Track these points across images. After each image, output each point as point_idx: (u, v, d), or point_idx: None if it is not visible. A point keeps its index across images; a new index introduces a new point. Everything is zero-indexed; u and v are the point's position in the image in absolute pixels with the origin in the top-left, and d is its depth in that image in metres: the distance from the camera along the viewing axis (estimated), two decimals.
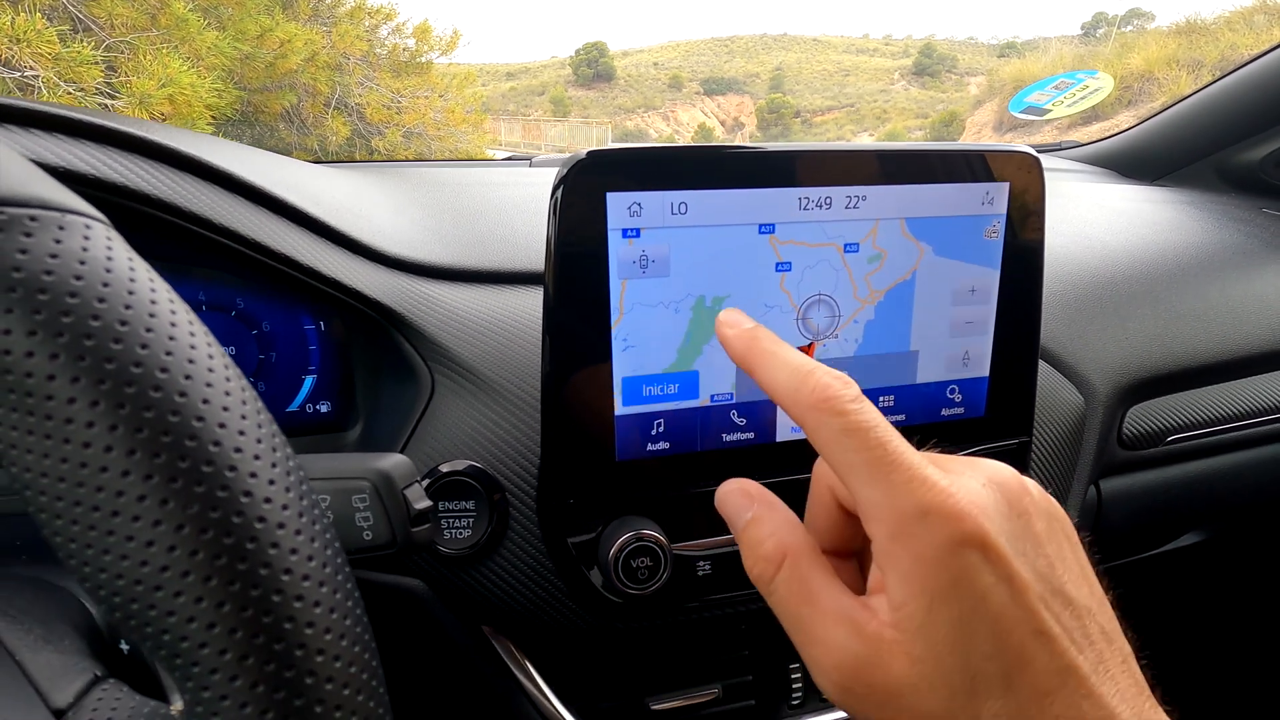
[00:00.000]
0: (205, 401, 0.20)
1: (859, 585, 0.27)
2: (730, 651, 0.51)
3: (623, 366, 0.42)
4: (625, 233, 0.40)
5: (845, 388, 0.25)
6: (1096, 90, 1.12)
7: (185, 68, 3.31)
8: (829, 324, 0.44)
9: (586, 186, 0.39)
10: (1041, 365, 0.58)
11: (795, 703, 0.53)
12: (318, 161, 0.92)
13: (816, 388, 0.25)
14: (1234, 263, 0.74)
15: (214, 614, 0.19)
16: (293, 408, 0.54)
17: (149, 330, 0.19)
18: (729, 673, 0.51)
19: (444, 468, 0.44)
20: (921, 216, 0.45)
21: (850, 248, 0.43)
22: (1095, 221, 0.78)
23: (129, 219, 0.39)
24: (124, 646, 0.28)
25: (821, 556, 0.27)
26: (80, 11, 3.41)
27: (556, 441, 0.42)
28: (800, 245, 0.42)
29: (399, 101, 5.83)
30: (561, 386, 0.41)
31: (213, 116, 3.73)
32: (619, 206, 0.40)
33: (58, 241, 0.19)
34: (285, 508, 0.20)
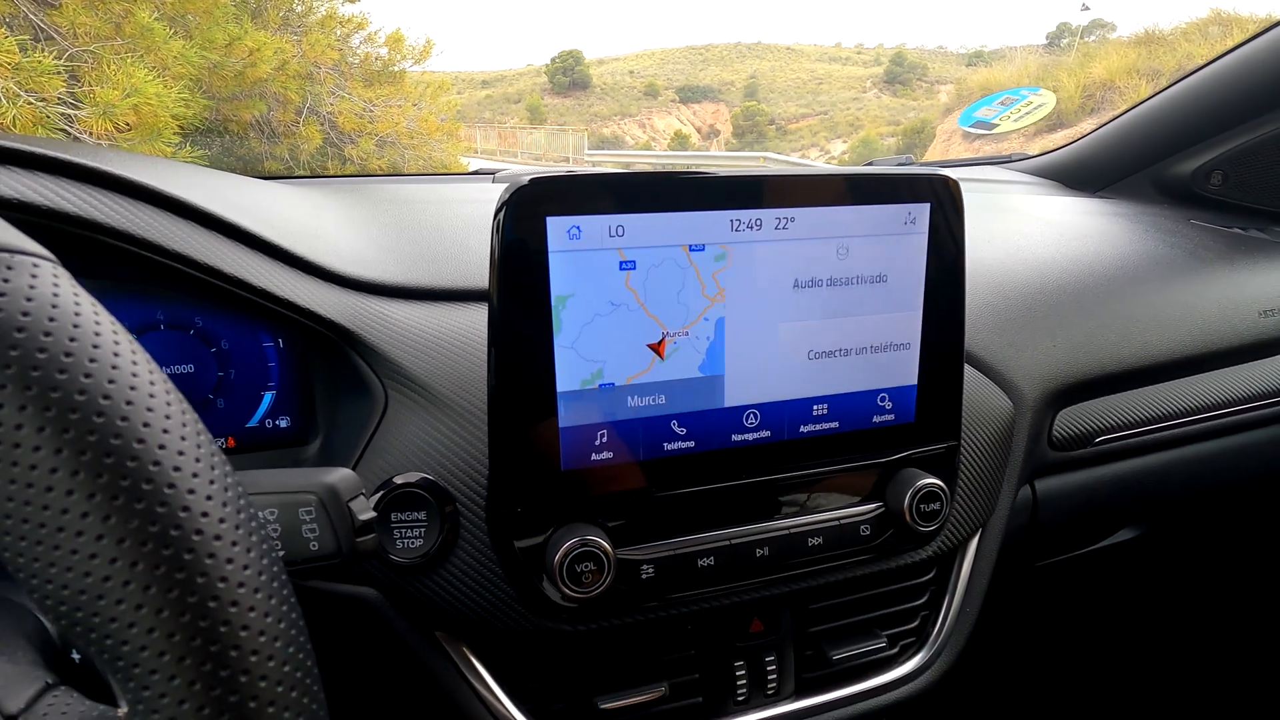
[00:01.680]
0: (146, 425, 0.22)
1: None
2: (677, 651, 0.54)
3: (565, 380, 0.44)
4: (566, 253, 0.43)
5: None
6: (1040, 105, 1.17)
7: (151, 77, 3.27)
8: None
9: (528, 211, 0.42)
10: (971, 372, 0.62)
11: (740, 699, 0.55)
12: (285, 176, 0.93)
13: None
14: (1159, 273, 0.78)
15: (153, 619, 0.21)
16: (252, 423, 0.55)
17: (92, 361, 0.21)
18: (676, 672, 0.54)
19: (397, 480, 0.46)
20: (847, 235, 0.48)
21: (696, 248, 0.45)
22: (1031, 234, 0.82)
23: (85, 246, 0.40)
24: (76, 656, 0.29)
25: None
26: (41, 20, 3.36)
27: (504, 453, 0.44)
28: (646, 246, 0.44)
29: (371, 110, 5.80)
30: (507, 400, 0.43)
31: (180, 126, 3.69)
32: (559, 230, 0.42)
33: (6, 280, 0.21)
34: (222, 520, 0.22)
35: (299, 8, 6.27)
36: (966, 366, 0.62)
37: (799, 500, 0.51)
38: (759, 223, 0.46)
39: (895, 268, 0.50)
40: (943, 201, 0.50)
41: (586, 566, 0.44)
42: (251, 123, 5.15)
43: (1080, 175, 1.24)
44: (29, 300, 0.21)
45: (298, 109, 5.27)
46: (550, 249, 0.42)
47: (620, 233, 0.43)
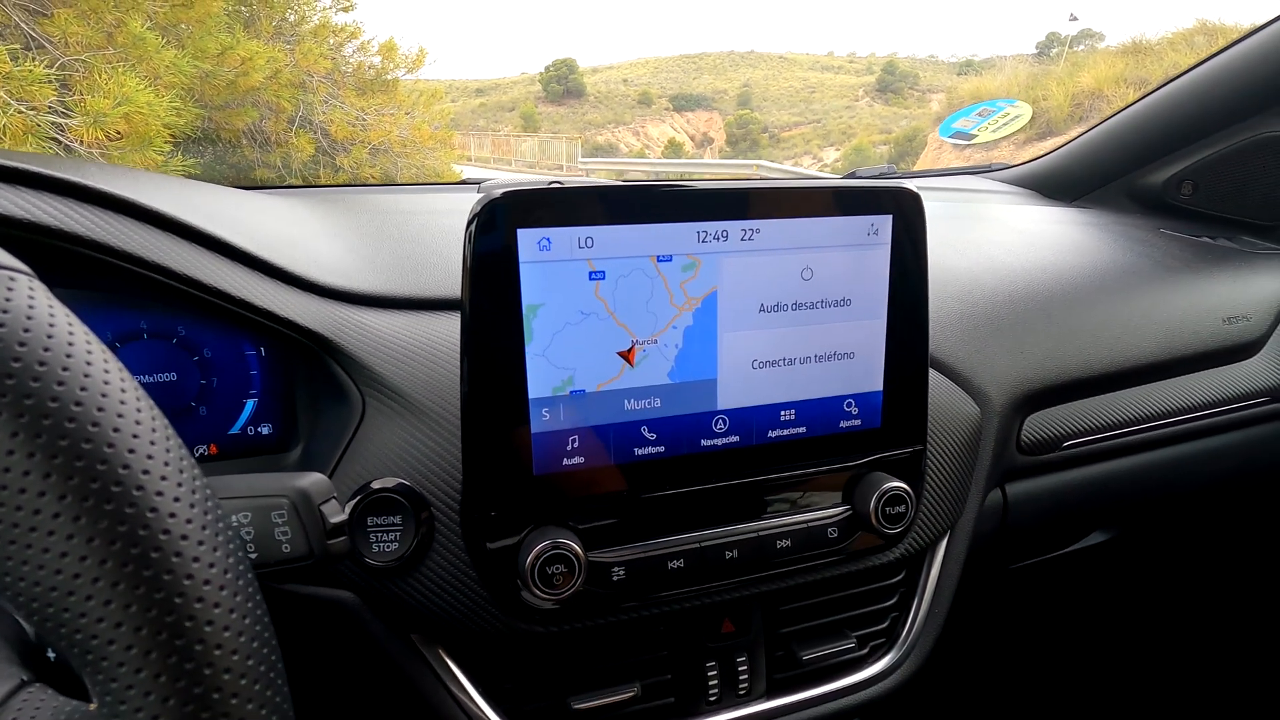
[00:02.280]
0: (116, 430, 0.23)
1: None
2: (649, 652, 0.55)
3: (536, 387, 0.45)
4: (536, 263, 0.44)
5: None
6: (1017, 118, 1.20)
7: (142, 86, 3.28)
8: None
9: (499, 223, 0.43)
10: (939, 379, 0.63)
11: (712, 699, 0.56)
12: (271, 185, 0.95)
13: None
14: (1127, 281, 0.80)
15: (121, 614, 0.22)
16: (234, 430, 0.56)
17: (65, 370, 0.22)
18: (648, 672, 0.55)
19: (373, 485, 0.47)
20: (811, 246, 0.50)
21: (664, 258, 0.46)
22: (1002, 243, 0.84)
23: (67, 259, 0.41)
24: (51, 655, 0.30)
25: None
26: (33, 30, 3.37)
27: (477, 458, 0.45)
28: (614, 257, 0.45)
29: (364, 119, 5.82)
30: (480, 407, 0.44)
31: (171, 135, 3.69)
32: (529, 241, 0.44)
33: None
34: (189, 521, 0.23)
35: (292, 17, 6.30)
36: (935, 373, 0.64)
37: (768, 503, 0.52)
38: (725, 234, 0.48)
39: (859, 280, 0.52)
40: (905, 213, 0.52)
41: (558, 569, 0.45)
42: (244, 131, 5.16)
43: (1057, 185, 1.26)
44: (4, 313, 0.22)
45: (290, 118, 5.28)
46: (521, 259, 0.44)
47: (589, 244, 0.45)
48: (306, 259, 0.53)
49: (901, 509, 0.53)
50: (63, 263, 0.42)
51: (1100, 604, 1.11)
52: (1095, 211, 1.10)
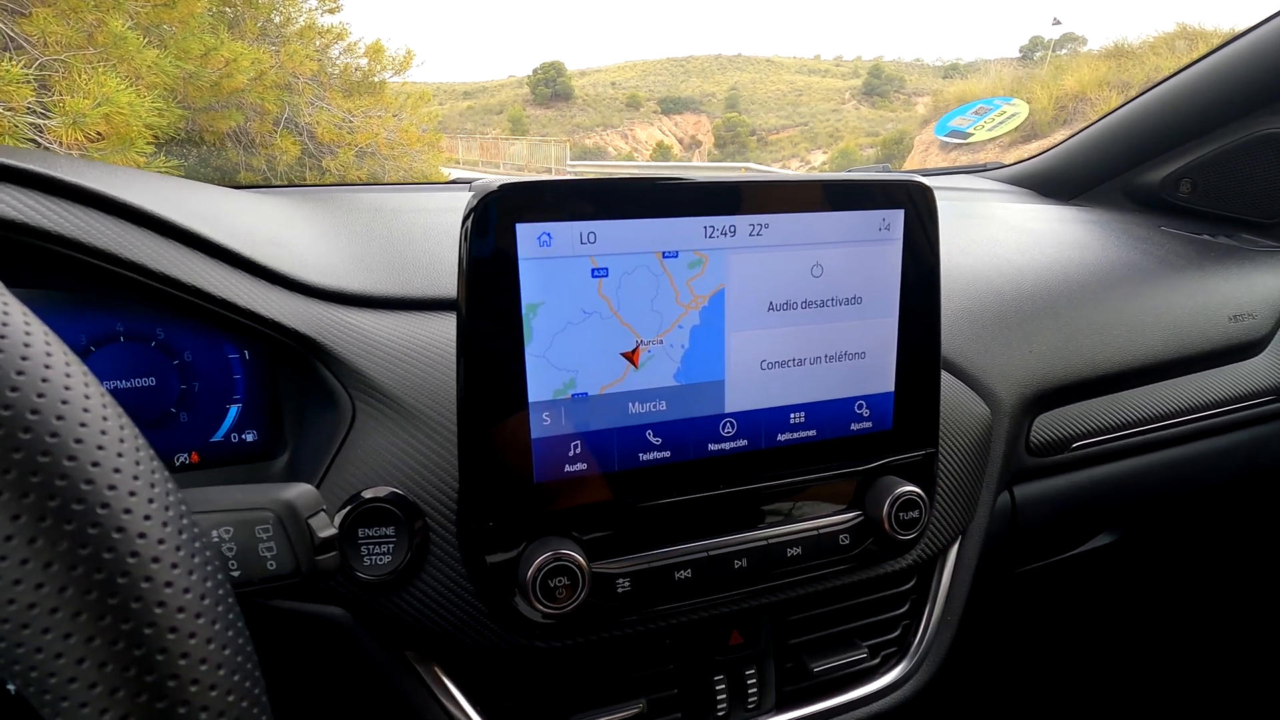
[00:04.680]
0: (79, 441, 0.20)
1: None
2: (655, 666, 0.53)
3: (537, 390, 0.43)
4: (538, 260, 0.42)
5: None
6: (1014, 115, 1.19)
7: (123, 87, 3.22)
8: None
9: (497, 218, 0.41)
10: (949, 379, 0.62)
11: (720, 714, 0.54)
12: (258, 185, 0.92)
13: None
14: (1131, 279, 0.79)
15: (83, 649, 0.19)
16: (217, 437, 0.53)
17: (20, 374, 0.20)
18: (654, 687, 0.52)
19: (364, 494, 0.45)
20: (821, 242, 0.48)
21: (670, 254, 0.44)
22: (1006, 242, 0.83)
23: (36, 256, 0.39)
24: (11, 688, 0.28)
25: None
26: (10, 29, 3.30)
27: (475, 465, 0.43)
28: (618, 253, 0.43)
29: (351, 121, 5.77)
30: (478, 411, 0.42)
31: (154, 136, 3.64)
32: (529, 237, 0.41)
33: None
34: (161, 542, 0.21)
35: (277, 18, 6.24)
36: (944, 373, 0.62)
37: (777, 510, 0.50)
38: (733, 229, 0.46)
39: (870, 277, 0.50)
40: (917, 207, 0.50)
41: (560, 581, 0.43)
42: (228, 133, 5.10)
43: (1054, 184, 1.26)
44: None
45: (275, 119, 5.22)
46: (520, 256, 0.41)
47: (592, 239, 0.43)
48: (292, 258, 0.50)
49: (915, 514, 0.51)
50: (30, 261, 0.39)
51: (1108, 606, 1.09)
52: (1094, 210, 1.09)
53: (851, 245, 0.49)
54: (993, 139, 1.23)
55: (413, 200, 0.81)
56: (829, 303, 0.49)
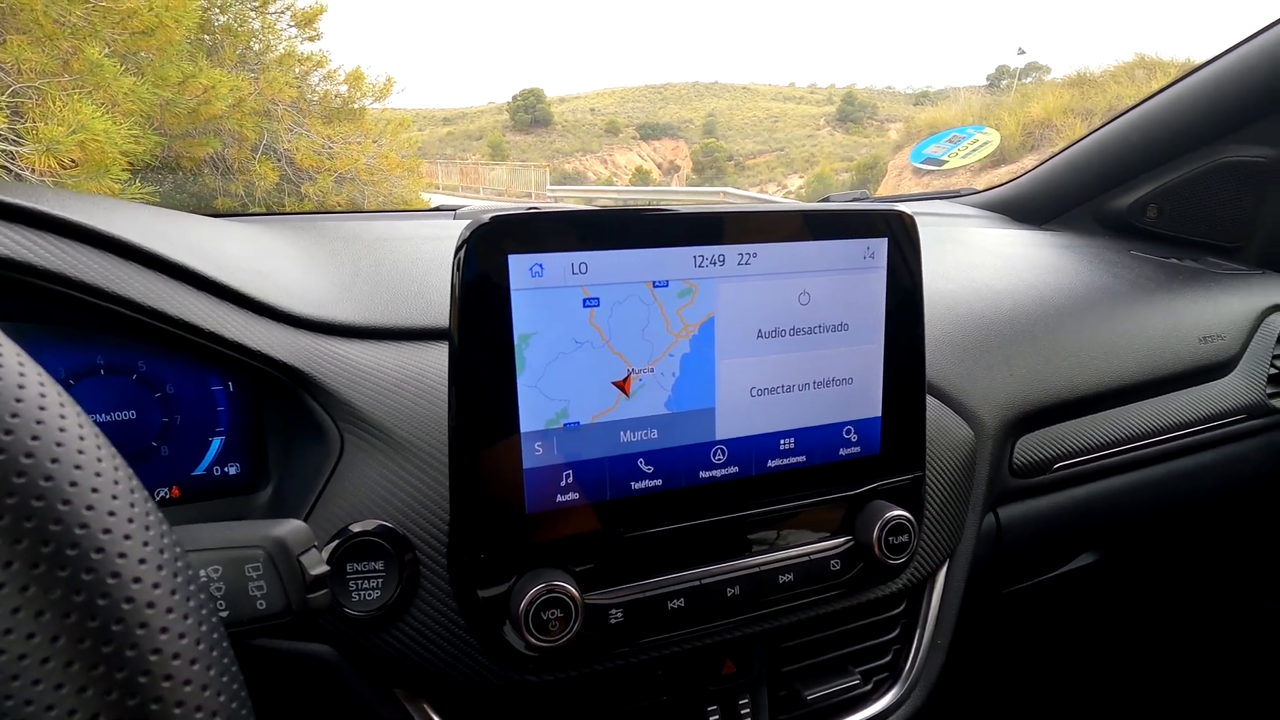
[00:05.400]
0: (73, 485, 0.20)
1: None
2: (648, 698, 0.52)
3: (529, 420, 0.43)
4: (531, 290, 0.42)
5: None
6: (986, 143, 1.22)
7: (98, 114, 3.19)
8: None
9: (489, 249, 0.41)
10: (933, 402, 0.63)
11: None
12: (239, 213, 0.91)
13: None
14: (1104, 302, 0.81)
15: (75, 700, 0.19)
16: (199, 471, 0.52)
17: (15, 416, 0.20)
18: (647, 719, 0.52)
19: (353, 528, 0.44)
20: (808, 270, 0.49)
21: (660, 284, 0.45)
22: (983, 266, 0.85)
23: (17, 289, 0.38)
24: None
25: None
26: None
27: (466, 497, 0.42)
28: (609, 283, 0.44)
29: (330, 147, 5.76)
30: (469, 442, 0.42)
31: (129, 163, 3.60)
32: (521, 268, 0.42)
33: None
34: (156, 586, 0.21)
35: (256, 45, 6.25)
36: (928, 397, 0.63)
37: (768, 537, 0.50)
38: (721, 259, 0.46)
39: (856, 304, 0.51)
40: (899, 236, 0.51)
41: (553, 614, 0.43)
42: (206, 159, 5.06)
43: (1026, 209, 1.29)
44: None
45: (254, 146, 5.20)
46: (512, 287, 0.42)
47: (583, 270, 0.43)
48: (278, 288, 0.50)
49: (905, 538, 0.51)
50: (13, 294, 0.38)
51: (1094, 624, 1.10)
52: (1066, 234, 1.12)
53: (837, 273, 0.50)
54: (966, 165, 1.26)
55: (396, 228, 0.81)
56: (816, 329, 0.50)
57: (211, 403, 0.53)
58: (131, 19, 3.78)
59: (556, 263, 0.42)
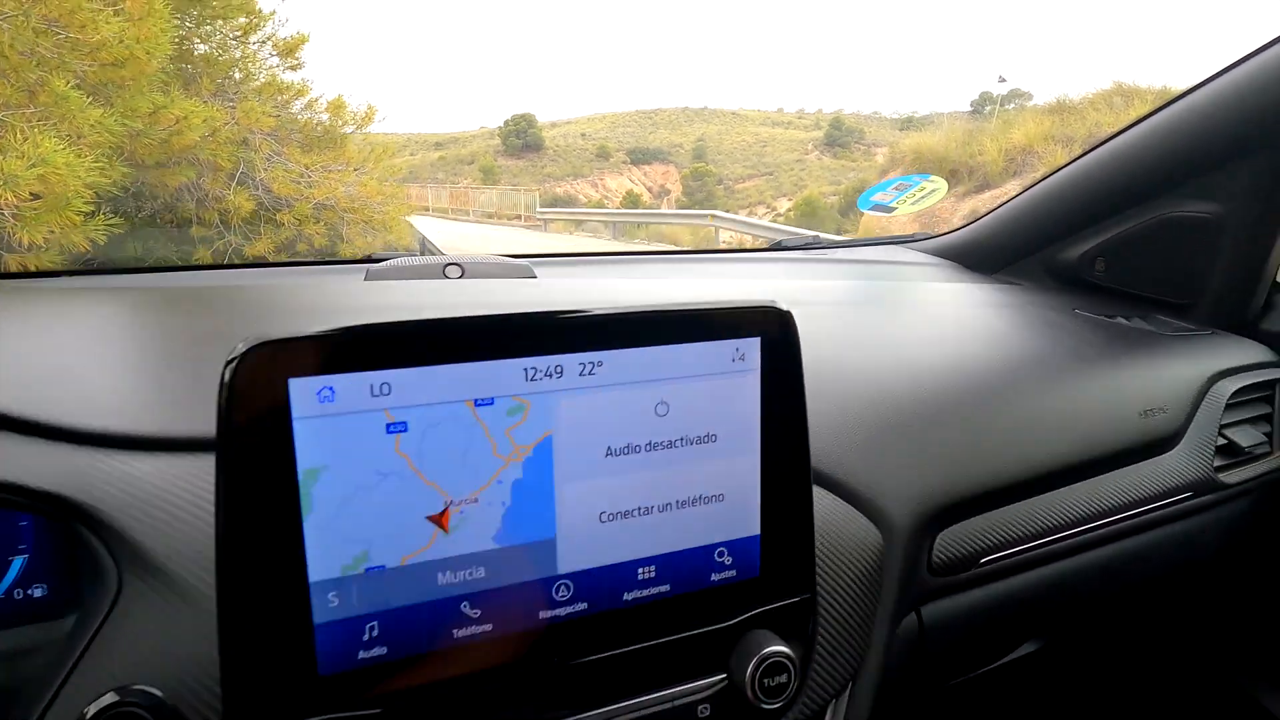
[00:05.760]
0: None
1: None
2: None
3: (319, 568, 0.37)
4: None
5: None
6: (934, 191, 1.18)
7: (61, 146, 3.15)
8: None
9: (265, 374, 0.35)
10: (834, 503, 0.57)
11: None
12: (58, 273, 0.84)
13: None
14: (1039, 375, 0.76)
15: None
16: None
17: None
18: None
19: (105, 700, 0.37)
20: (664, 378, 0.43)
21: (484, 402, 0.39)
22: (913, 336, 0.79)
23: None
24: None
25: None
26: None
27: (240, 661, 0.36)
28: (419, 405, 0.38)
29: (309, 176, 5.73)
30: (242, 598, 0.36)
31: (95, 194, 3.54)
32: (306, 393, 0.36)
33: None
34: None
35: (237, 74, 6.24)
36: (830, 496, 0.57)
37: (626, 680, 0.44)
38: (559, 369, 0.41)
39: (725, 412, 0.45)
40: (775, 334, 0.46)
41: None
42: (181, 188, 5.01)
43: (977, 257, 1.25)
44: None
45: (230, 175, 5.16)
46: (295, 415, 0.36)
47: (386, 390, 0.37)
48: (59, 393, 0.44)
49: (783, 679, 0.45)
50: None
51: (1055, 710, 1.04)
52: (1012, 290, 1.07)
53: (701, 379, 0.44)
54: (916, 213, 1.22)
55: (270, 292, 0.75)
56: (678, 443, 0.44)
57: (12, 518, 0.47)
58: (101, 50, 3.75)
59: (351, 385, 0.37)
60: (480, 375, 0.39)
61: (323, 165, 6.03)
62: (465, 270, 1.01)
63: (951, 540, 0.64)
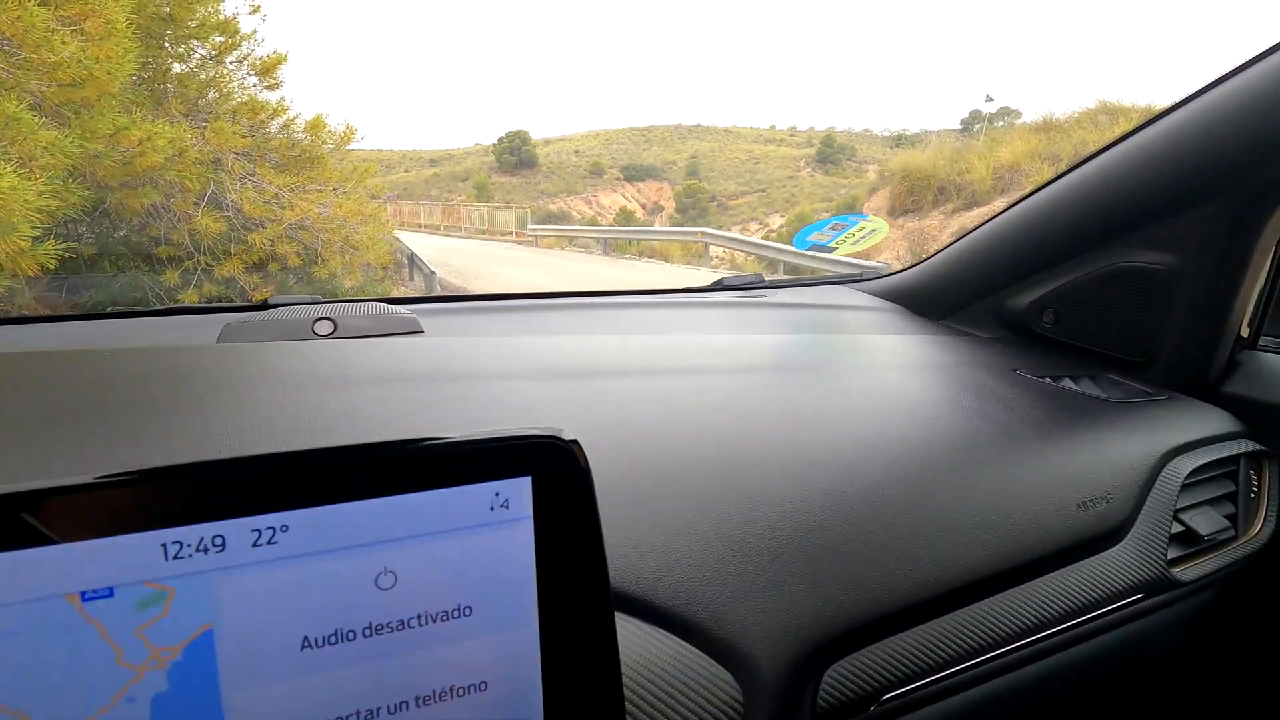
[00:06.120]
0: None
1: None
2: None
3: None
4: None
5: None
6: (873, 232, 1.10)
7: (8, 170, 3.04)
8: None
9: None
10: (677, 650, 0.46)
11: None
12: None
13: None
14: (961, 463, 0.65)
15: None
16: None
17: None
18: None
19: None
20: (386, 540, 0.32)
21: (98, 594, 0.28)
22: (811, 414, 0.69)
23: None
24: None
25: None
26: None
27: None
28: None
29: (282, 197, 5.63)
30: None
31: (49, 218, 3.43)
32: None
33: None
34: None
35: (212, 94, 6.16)
36: (670, 640, 0.46)
37: None
38: (219, 541, 0.30)
39: (483, 576, 0.34)
40: (552, 471, 0.35)
41: None
42: (147, 210, 4.90)
43: (924, 301, 1.15)
44: None
45: (199, 195, 5.05)
46: None
47: None
48: None
49: None
50: None
51: None
52: (954, 344, 0.97)
53: (443, 537, 0.33)
54: (855, 253, 1.12)
55: (115, 350, 0.65)
56: (413, 622, 0.33)
57: None
58: (59, 70, 3.65)
59: None
60: (90, 557, 0.28)
61: (298, 185, 5.95)
62: (338, 326, 0.90)
63: (845, 675, 0.53)
